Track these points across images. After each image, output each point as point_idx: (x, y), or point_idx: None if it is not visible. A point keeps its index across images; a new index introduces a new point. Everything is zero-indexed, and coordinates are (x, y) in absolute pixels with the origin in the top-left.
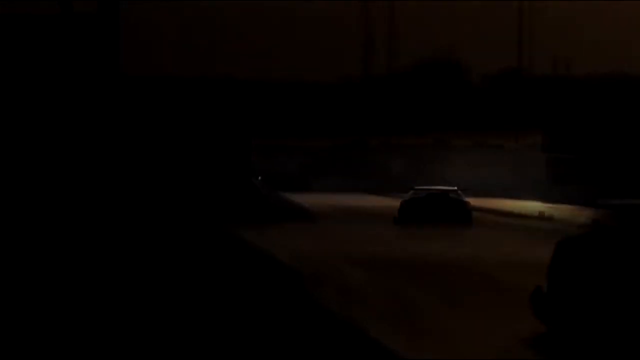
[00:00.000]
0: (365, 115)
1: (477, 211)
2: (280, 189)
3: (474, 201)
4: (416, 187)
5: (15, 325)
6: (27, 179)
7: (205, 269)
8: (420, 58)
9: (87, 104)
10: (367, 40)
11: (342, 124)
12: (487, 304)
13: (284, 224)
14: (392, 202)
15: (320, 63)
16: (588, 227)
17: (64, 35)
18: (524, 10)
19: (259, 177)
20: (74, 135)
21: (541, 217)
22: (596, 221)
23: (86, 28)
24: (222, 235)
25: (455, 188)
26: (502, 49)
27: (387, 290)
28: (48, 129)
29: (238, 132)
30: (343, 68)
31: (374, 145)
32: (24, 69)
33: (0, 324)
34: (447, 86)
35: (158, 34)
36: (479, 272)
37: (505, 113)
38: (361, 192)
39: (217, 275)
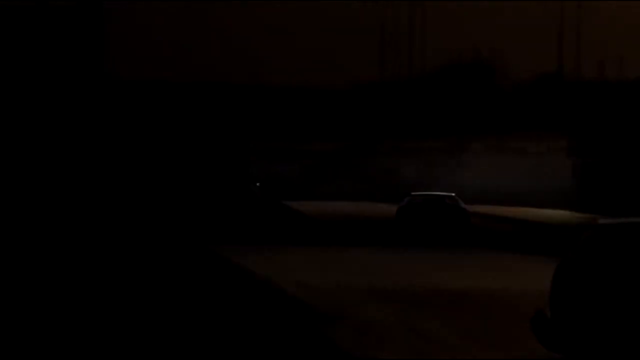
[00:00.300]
0: (376, 118)
1: (499, 223)
2: (282, 196)
3: (493, 209)
4: (413, 193)
5: None
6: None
7: (197, 306)
8: (452, 59)
9: (71, 104)
10: (383, 41)
11: (351, 127)
12: (523, 342)
13: (286, 242)
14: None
15: (336, 66)
16: (590, 243)
17: (44, 29)
18: (568, 8)
19: (257, 184)
20: (58, 137)
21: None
22: (595, 236)
23: (68, 23)
24: (215, 260)
25: (453, 194)
26: (546, 50)
27: (408, 328)
28: (27, 131)
29: (235, 136)
30: (360, 71)
31: (384, 149)
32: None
33: None
34: (471, 88)
35: (162, 38)
36: (507, 306)
37: (530, 116)
38: (369, 199)
39: (212, 312)
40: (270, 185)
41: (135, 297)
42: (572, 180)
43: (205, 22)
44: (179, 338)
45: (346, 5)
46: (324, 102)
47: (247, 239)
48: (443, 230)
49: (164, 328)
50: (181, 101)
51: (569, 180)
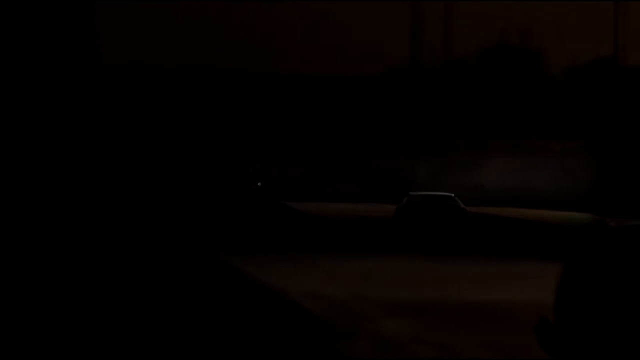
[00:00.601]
0: (387, 114)
1: (523, 227)
2: (285, 197)
3: (512, 212)
4: (411, 193)
5: None
6: None
7: (203, 317)
8: (492, 44)
9: (63, 95)
10: (415, 23)
11: (359, 124)
12: (543, 354)
13: (291, 247)
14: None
15: (360, 52)
16: (597, 246)
17: (34, 16)
18: None
19: (259, 184)
20: (48, 131)
21: None
22: (603, 239)
23: (58, 9)
24: (222, 269)
25: (452, 194)
26: (595, 36)
27: (428, 342)
28: (17, 125)
29: (237, 133)
30: (389, 58)
31: (396, 148)
32: None
33: None
34: (511, 79)
35: (162, 20)
36: (523, 317)
37: (554, 110)
38: (379, 201)
39: (219, 324)
40: (272, 185)
41: (135, 314)
42: (596, 181)
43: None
44: (184, 353)
45: None
46: (340, 93)
47: (250, 245)
48: (442, 230)
49: (169, 342)
50: (182, 91)
51: (593, 180)
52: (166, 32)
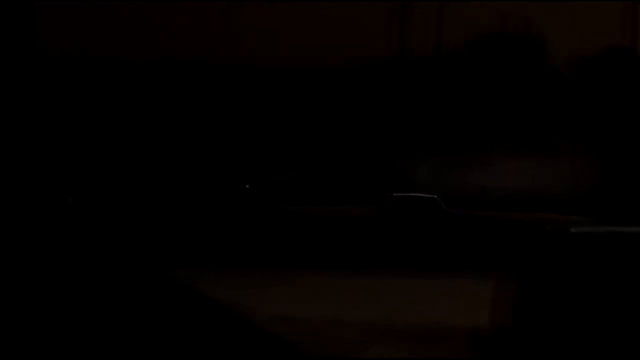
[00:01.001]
0: (389, 108)
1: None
2: (277, 200)
3: (518, 216)
4: (395, 194)
5: None
6: None
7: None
8: (488, 32)
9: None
10: (405, 8)
11: (356, 122)
12: None
13: (272, 259)
14: None
15: (341, 41)
16: (555, 257)
17: None
18: None
19: (247, 185)
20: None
21: None
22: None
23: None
24: (177, 291)
25: (435, 196)
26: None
27: None
28: None
29: (219, 127)
30: (373, 48)
31: (395, 147)
32: None
33: None
34: (512, 70)
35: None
36: None
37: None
38: (378, 202)
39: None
40: (264, 188)
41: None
42: (605, 182)
43: None
44: None
45: None
46: (324, 87)
47: (229, 254)
48: (422, 232)
49: None
50: (165, 87)
51: (602, 181)
52: (153, 25)
